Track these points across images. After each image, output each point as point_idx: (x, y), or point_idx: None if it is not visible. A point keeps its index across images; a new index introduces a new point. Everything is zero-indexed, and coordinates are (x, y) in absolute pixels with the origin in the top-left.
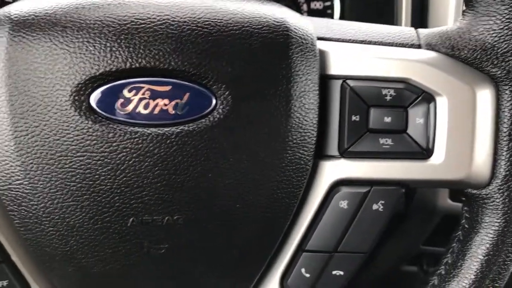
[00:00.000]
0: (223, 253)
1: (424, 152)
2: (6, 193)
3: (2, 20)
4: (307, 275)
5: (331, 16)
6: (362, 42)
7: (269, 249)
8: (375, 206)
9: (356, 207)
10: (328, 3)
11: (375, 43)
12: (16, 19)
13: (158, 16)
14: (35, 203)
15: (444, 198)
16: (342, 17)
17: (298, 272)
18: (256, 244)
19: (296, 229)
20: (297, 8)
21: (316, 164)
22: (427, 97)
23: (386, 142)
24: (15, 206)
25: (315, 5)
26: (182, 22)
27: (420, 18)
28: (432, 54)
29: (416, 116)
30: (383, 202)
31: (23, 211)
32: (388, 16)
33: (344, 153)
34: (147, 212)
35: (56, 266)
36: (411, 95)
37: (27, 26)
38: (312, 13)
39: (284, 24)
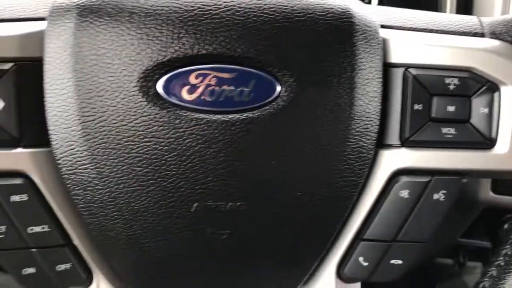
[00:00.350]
0: (283, 239)
1: (487, 142)
2: (71, 177)
3: (69, 6)
4: (365, 263)
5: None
6: (423, 30)
7: (328, 237)
8: (436, 196)
9: (417, 196)
10: None
11: (437, 31)
12: (83, 5)
13: (224, 2)
14: (101, 187)
15: (486, 190)
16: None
17: (356, 261)
18: (315, 232)
19: (355, 218)
20: None
21: (377, 153)
22: (492, 87)
23: (448, 131)
24: (80, 191)
25: None
26: (248, 9)
27: (464, 6)
28: (496, 43)
29: (480, 106)
30: (444, 192)
31: (88, 195)
32: (431, 4)
33: (405, 142)
34: (211, 198)
35: (119, 251)
36: (475, 84)
37: (94, 12)
38: None
39: (348, 11)
